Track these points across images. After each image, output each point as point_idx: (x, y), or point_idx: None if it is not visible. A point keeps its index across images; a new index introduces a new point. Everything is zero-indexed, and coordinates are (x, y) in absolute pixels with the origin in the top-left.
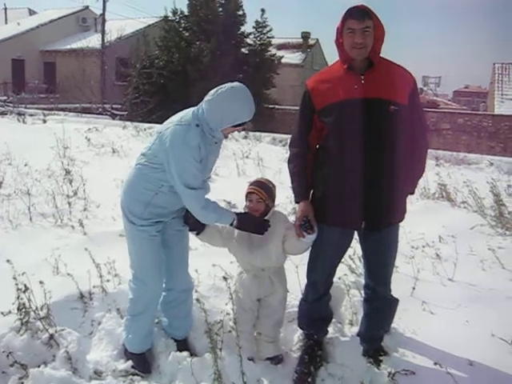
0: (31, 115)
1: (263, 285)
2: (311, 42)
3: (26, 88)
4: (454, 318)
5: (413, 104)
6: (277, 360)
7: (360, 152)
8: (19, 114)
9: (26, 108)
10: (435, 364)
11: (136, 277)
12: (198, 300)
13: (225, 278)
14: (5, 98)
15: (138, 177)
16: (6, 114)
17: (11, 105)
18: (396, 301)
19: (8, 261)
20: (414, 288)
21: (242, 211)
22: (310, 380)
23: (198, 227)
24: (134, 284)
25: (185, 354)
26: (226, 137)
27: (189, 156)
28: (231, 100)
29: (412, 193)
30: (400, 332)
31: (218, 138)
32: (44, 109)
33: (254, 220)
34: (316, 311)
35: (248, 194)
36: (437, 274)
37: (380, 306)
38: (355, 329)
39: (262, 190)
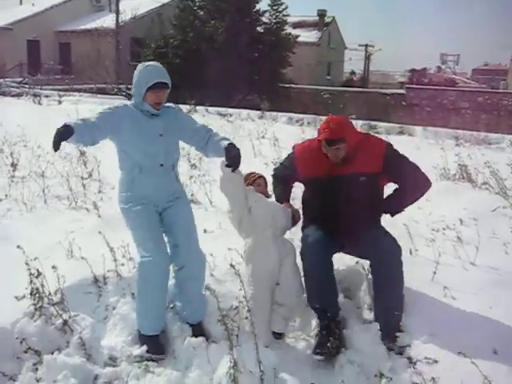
0: (47, 96)
1: (278, 244)
2: (327, 19)
3: (41, 69)
4: (476, 304)
5: (389, 165)
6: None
7: (334, 214)
8: (35, 95)
9: (41, 89)
10: (459, 353)
11: (140, 250)
12: (207, 287)
13: (232, 266)
14: (20, 79)
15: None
16: (21, 96)
17: (27, 86)
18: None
19: (18, 246)
20: (435, 272)
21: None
22: (329, 345)
23: (234, 163)
24: (140, 258)
25: (200, 339)
26: (156, 108)
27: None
28: (139, 70)
29: (392, 215)
30: (421, 318)
31: (147, 109)
32: (59, 90)
33: (57, 136)
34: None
35: (256, 180)
36: (458, 258)
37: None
38: None
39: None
